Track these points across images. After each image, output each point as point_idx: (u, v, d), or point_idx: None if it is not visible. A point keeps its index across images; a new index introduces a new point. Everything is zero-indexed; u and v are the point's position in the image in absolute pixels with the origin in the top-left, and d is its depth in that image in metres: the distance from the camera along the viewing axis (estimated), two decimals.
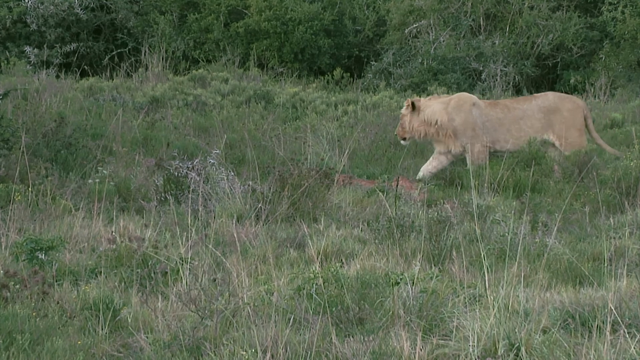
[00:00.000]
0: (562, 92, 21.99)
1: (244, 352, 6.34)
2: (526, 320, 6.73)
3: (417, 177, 13.14)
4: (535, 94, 14.29)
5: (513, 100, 13.73)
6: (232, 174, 10.81)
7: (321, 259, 8.55)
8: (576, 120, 13.28)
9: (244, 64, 22.84)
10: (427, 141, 13.57)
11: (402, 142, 13.59)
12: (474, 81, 21.93)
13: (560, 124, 13.24)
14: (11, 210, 9.15)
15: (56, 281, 7.75)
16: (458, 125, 13.19)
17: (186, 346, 6.61)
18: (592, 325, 6.76)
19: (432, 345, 6.62)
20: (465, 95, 13.68)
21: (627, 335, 6.51)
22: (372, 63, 22.84)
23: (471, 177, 10.40)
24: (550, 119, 13.25)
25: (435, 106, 13.32)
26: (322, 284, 7.17)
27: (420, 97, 14.62)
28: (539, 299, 7.45)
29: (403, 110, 13.54)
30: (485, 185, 11.65)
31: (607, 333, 6.35)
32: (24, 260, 8.01)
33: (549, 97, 13.51)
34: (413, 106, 13.37)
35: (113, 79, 20.98)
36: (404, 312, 7.05)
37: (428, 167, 13.30)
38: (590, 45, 22.77)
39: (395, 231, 9.21)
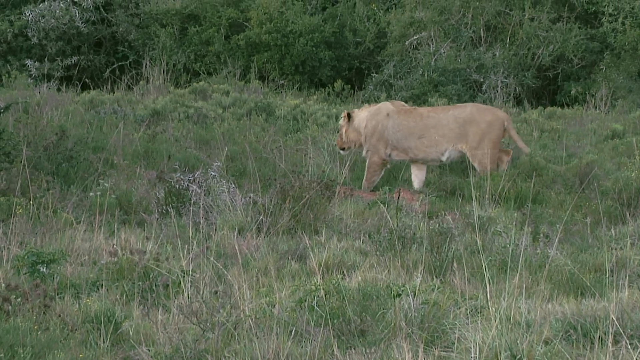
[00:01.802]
0: (563, 103, 22.05)
1: None
2: (528, 332, 6.73)
3: (416, 189, 13.19)
4: (457, 104, 14.40)
5: (431, 109, 13.75)
6: (233, 186, 10.81)
7: (322, 271, 8.55)
8: (492, 133, 13.11)
9: (245, 76, 22.86)
10: (361, 150, 13.71)
11: (341, 152, 13.81)
12: (474, 92, 21.94)
13: (475, 135, 13.11)
14: (12, 223, 9.15)
15: (58, 294, 7.75)
16: (367, 133, 13.42)
17: (188, 359, 6.61)
18: (594, 337, 6.75)
19: (433, 357, 6.62)
20: (384, 104, 13.76)
21: (629, 347, 6.51)
22: (373, 75, 22.86)
23: (472, 189, 10.40)
24: (466, 129, 13.15)
25: (362, 115, 13.57)
26: (324, 296, 7.17)
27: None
28: (541, 310, 7.44)
29: (341, 122, 13.80)
30: (487, 196, 11.65)
31: (609, 344, 6.35)
32: (26, 273, 8.01)
33: (467, 108, 13.42)
34: (349, 117, 13.63)
35: (114, 92, 20.99)
36: (406, 324, 7.05)
37: (416, 180, 13.37)
38: (590, 57, 22.78)
39: (396, 243, 9.21)
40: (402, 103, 14.03)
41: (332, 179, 11.74)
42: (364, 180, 13.40)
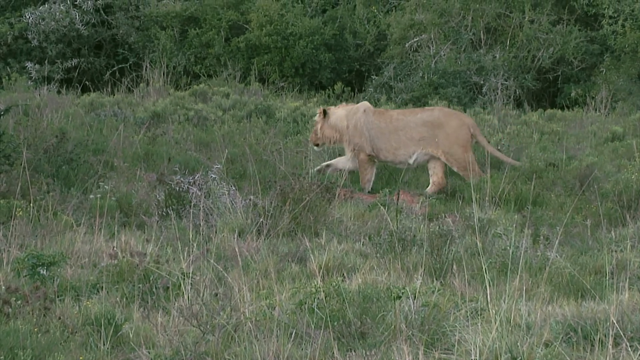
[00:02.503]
0: (563, 105, 22.06)
1: None
2: (528, 334, 6.73)
3: (320, 167, 13.35)
4: (426, 108, 14.58)
5: (401, 112, 13.91)
6: (234, 188, 10.81)
7: (323, 273, 8.55)
8: (460, 137, 13.26)
9: (245, 78, 22.87)
10: (336, 147, 13.97)
11: (315, 147, 14.02)
12: (474, 95, 21.94)
13: (444, 140, 13.27)
14: (13, 225, 9.15)
15: (58, 297, 7.75)
16: (350, 132, 13.55)
17: None
18: (594, 339, 6.75)
19: None
20: (362, 104, 13.94)
21: (630, 349, 6.51)
22: (373, 77, 22.86)
23: (472, 191, 10.40)
24: (435, 133, 13.31)
25: (340, 113, 13.76)
26: (324, 299, 7.17)
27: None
28: (541, 313, 7.44)
29: (316, 118, 14.02)
30: (487, 198, 11.65)
31: (610, 346, 6.35)
32: (26, 275, 8.01)
33: (434, 112, 13.60)
34: (324, 114, 13.83)
35: (114, 95, 20.99)
36: (406, 326, 7.05)
37: (339, 164, 13.58)
38: (590, 59, 22.79)
39: (396, 245, 9.21)
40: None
41: (332, 181, 11.74)
42: (360, 183, 13.44)
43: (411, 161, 13.43)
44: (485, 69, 22.07)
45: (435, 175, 13.33)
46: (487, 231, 9.98)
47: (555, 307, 7.73)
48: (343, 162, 13.68)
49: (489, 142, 14.05)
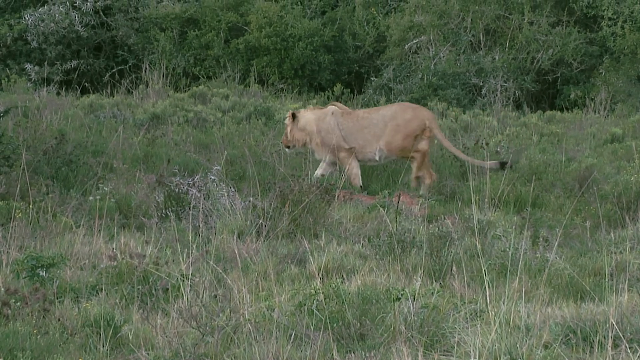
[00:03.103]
0: (562, 107, 22.06)
1: None
2: (527, 336, 6.73)
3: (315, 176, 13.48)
4: (388, 104, 14.91)
5: (366, 110, 14.16)
6: (233, 190, 10.81)
7: (322, 274, 8.55)
8: (408, 128, 13.48)
9: (245, 80, 22.87)
10: (306, 149, 14.11)
11: (286, 150, 14.19)
12: (474, 96, 21.95)
13: (391, 130, 13.52)
14: (12, 227, 9.15)
15: (57, 298, 7.74)
16: (323, 135, 13.74)
17: None
18: (593, 341, 6.75)
19: None
20: (330, 107, 14.12)
21: (629, 350, 6.51)
22: (372, 79, 22.87)
23: (472, 193, 10.40)
24: (388, 126, 13.54)
25: (308, 116, 13.95)
26: (323, 300, 7.17)
27: None
28: (540, 314, 7.44)
29: (286, 121, 14.17)
30: (486, 200, 11.65)
31: (609, 348, 6.35)
32: (25, 277, 8.01)
33: (393, 107, 13.90)
34: (294, 117, 14.01)
35: (113, 96, 21.00)
36: (405, 328, 7.05)
37: (317, 172, 13.74)
38: (590, 61, 22.80)
39: (396, 247, 9.21)
40: (344, 106, 14.32)
41: (331, 183, 11.73)
42: (349, 181, 13.55)
43: (377, 158, 13.64)
44: (485, 70, 22.08)
45: (420, 172, 13.45)
46: (486, 233, 9.98)
47: (554, 309, 7.73)
48: (324, 168, 13.85)
49: (449, 138, 14.25)
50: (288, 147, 14.12)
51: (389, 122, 13.53)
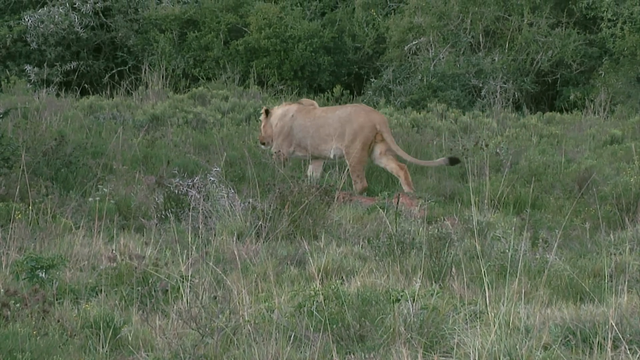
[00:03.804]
0: (562, 108, 22.07)
1: None
2: (527, 337, 6.73)
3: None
4: (344, 105, 15.25)
5: (324, 109, 14.30)
6: (233, 191, 10.81)
7: (322, 276, 8.54)
8: (362, 133, 13.59)
9: (244, 81, 22.88)
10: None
11: (261, 146, 14.43)
12: (473, 98, 21.95)
13: (349, 135, 13.65)
14: (11, 228, 9.14)
15: (57, 300, 7.74)
16: (276, 131, 14.08)
17: None
18: (593, 342, 6.75)
19: None
20: (294, 104, 14.37)
21: (629, 352, 6.51)
22: (372, 80, 22.87)
23: (471, 194, 10.40)
24: (345, 129, 13.68)
25: (278, 112, 14.22)
26: (323, 301, 7.17)
27: (419, 113, 15.01)
28: (540, 316, 7.44)
29: (261, 118, 14.44)
30: (486, 201, 11.65)
31: (609, 349, 6.35)
32: (25, 278, 8.01)
33: (347, 109, 14.03)
34: (267, 113, 14.29)
35: (113, 97, 20.99)
36: (405, 329, 7.05)
37: (315, 174, 13.86)
38: (589, 62, 22.80)
39: (395, 248, 9.21)
40: (313, 102, 14.56)
41: (331, 184, 11.73)
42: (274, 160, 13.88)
43: (331, 155, 13.80)
44: (484, 72, 22.09)
45: (393, 168, 13.62)
46: (486, 234, 9.98)
47: (554, 310, 7.73)
48: (314, 167, 13.99)
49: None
50: (263, 143, 14.35)
51: (345, 124, 13.65)
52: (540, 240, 9.66)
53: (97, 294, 7.99)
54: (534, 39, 22.54)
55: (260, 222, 10.13)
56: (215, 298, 7.28)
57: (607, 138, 17.31)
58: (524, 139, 17.16)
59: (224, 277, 7.90)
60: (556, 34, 22.65)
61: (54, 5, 23.61)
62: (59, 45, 23.47)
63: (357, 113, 13.76)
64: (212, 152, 14.66)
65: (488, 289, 7.33)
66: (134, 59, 24.07)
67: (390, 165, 13.63)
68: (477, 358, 6.44)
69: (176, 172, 11.89)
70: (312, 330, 6.98)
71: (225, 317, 6.90)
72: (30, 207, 9.80)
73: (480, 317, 7.26)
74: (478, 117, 19.49)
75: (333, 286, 7.33)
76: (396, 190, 13.12)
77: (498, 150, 14.60)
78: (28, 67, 22.85)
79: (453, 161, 13.27)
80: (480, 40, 22.91)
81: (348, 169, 13.47)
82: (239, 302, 7.27)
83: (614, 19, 22.38)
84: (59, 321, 7.22)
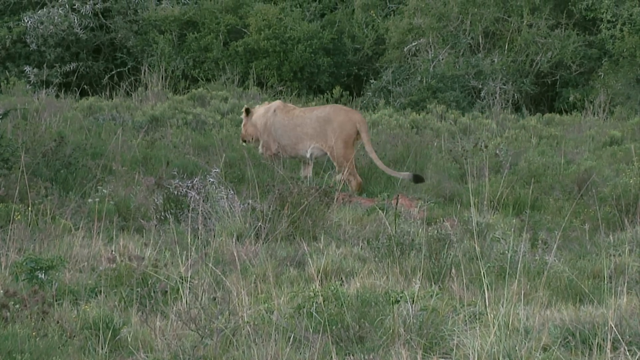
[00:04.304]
0: (561, 109, 22.07)
1: None
2: (526, 338, 6.73)
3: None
4: (322, 105, 15.55)
5: (303, 110, 14.55)
6: (232, 192, 10.81)
7: (321, 277, 8.55)
8: (343, 133, 13.80)
9: (244, 82, 22.88)
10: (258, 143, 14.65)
11: (243, 144, 14.80)
12: (473, 99, 21.96)
13: (331, 135, 13.84)
14: (11, 229, 9.14)
15: (56, 301, 7.74)
16: (260, 130, 14.35)
17: None
18: (592, 343, 6.75)
19: None
20: (275, 102, 14.67)
21: (628, 353, 6.51)
22: (372, 81, 22.87)
23: (471, 195, 10.40)
24: (325, 129, 13.89)
25: (259, 111, 14.53)
26: (322, 303, 7.17)
27: (419, 114, 15.05)
28: (539, 317, 7.44)
29: (242, 116, 14.79)
30: (485, 202, 11.65)
31: (608, 351, 6.35)
32: (24, 279, 8.01)
33: (326, 109, 14.28)
34: (247, 112, 14.62)
35: (112, 99, 21.00)
36: (404, 331, 7.05)
37: (306, 172, 14.09)
38: (589, 63, 22.81)
39: (395, 249, 9.21)
40: (291, 105, 14.84)
41: (330, 186, 11.73)
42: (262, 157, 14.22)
43: (308, 155, 13.97)
44: (484, 73, 22.09)
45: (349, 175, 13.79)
46: (485, 235, 9.97)
47: (553, 312, 7.73)
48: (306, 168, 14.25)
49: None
50: (244, 141, 14.69)
51: (325, 124, 13.84)
52: (540, 241, 9.66)
53: (97, 295, 7.99)
54: (534, 40, 22.55)
55: (259, 223, 10.13)
56: (215, 299, 7.27)
57: (607, 139, 17.31)
58: (523, 140, 17.16)
59: (224, 278, 7.90)
60: (556, 35, 22.66)
61: (53, 7, 23.61)
62: (58, 46, 23.48)
63: (336, 112, 14.00)
64: (212, 153, 14.66)
65: (487, 290, 7.33)
66: (134, 60, 24.07)
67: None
68: (476, 359, 6.44)
69: (175, 173, 11.88)
70: (311, 331, 6.98)
71: (224, 318, 6.90)
72: (29, 208, 9.80)
73: (479, 318, 7.26)
74: (477, 119, 19.50)
75: (332, 287, 7.33)
76: (395, 191, 13.12)
77: (497, 152, 14.60)
78: (27, 68, 22.86)
79: (417, 179, 13.30)
80: (480, 41, 22.92)
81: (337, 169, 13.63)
82: (238, 303, 7.27)
83: (614, 20, 22.39)
84: (58, 322, 7.22)
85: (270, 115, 14.21)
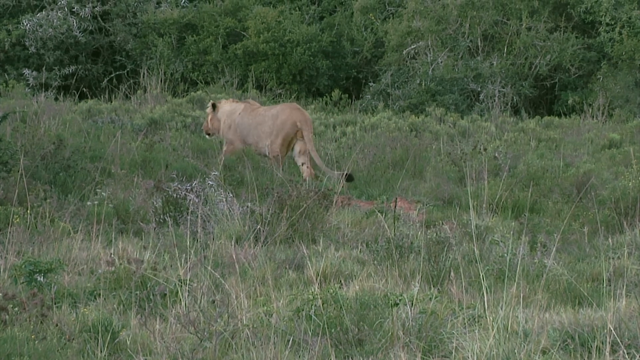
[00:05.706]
0: (560, 112, 22.08)
1: None
2: (525, 341, 6.73)
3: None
4: (279, 104, 15.87)
5: (263, 109, 14.95)
6: (231, 195, 10.81)
7: (320, 280, 8.55)
8: (282, 130, 14.27)
9: (243, 85, 22.88)
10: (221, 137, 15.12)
11: (206, 136, 15.38)
12: (472, 102, 21.96)
13: (274, 130, 14.32)
14: (10, 232, 9.14)
15: (55, 303, 7.74)
16: (224, 127, 14.81)
17: None
18: (591, 346, 6.75)
19: None
20: (241, 105, 15.03)
21: (627, 356, 6.51)
22: (371, 84, 22.88)
23: (470, 198, 10.41)
24: (274, 125, 14.34)
25: (225, 108, 14.98)
26: (321, 305, 7.17)
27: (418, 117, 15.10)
28: (538, 320, 7.44)
29: (207, 110, 15.25)
30: (484, 205, 11.66)
31: (607, 353, 6.35)
32: (23, 282, 8.01)
33: (278, 107, 14.78)
34: (214, 107, 15.05)
35: (112, 101, 21.00)
36: (403, 333, 7.05)
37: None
38: (588, 66, 22.82)
39: (394, 252, 9.21)
40: (257, 104, 15.18)
41: (329, 188, 11.73)
42: (222, 155, 14.51)
43: (267, 153, 14.34)
44: (483, 76, 22.10)
45: (304, 170, 14.12)
46: (484, 238, 9.98)
47: (552, 314, 7.73)
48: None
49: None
50: (208, 134, 15.17)
51: (274, 121, 14.27)
52: (539, 244, 9.66)
53: (96, 298, 7.98)
54: (533, 43, 22.56)
55: (258, 226, 10.13)
56: (214, 302, 7.28)
57: (606, 142, 17.32)
58: (522, 143, 17.17)
59: (223, 281, 7.90)
60: (554, 38, 22.67)
61: (52, 9, 23.61)
62: (57, 49, 23.47)
63: (282, 110, 14.43)
64: (211, 156, 14.68)
65: (486, 293, 7.33)
66: (133, 63, 24.08)
67: (304, 167, 14.16)
68: None
69: (175, 176, 11.89)
70: (310, 334, 6.98)
71: (223, 321, 6.90)
72: (28, 211, 9.80)
73: (478, 321, 7.26)
74: (476, 121, 19.50)
75: (331, 290, 7.33)
76: (394, 194, 13.11)
77: (496, 155, 14.61)
78: (27, 71, 22.86)
79: (349, 178, 13.42)
80: (479, 44, 22.93)
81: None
82: (237, 306, 7.27)
83: (612, 23, 22.40)
84: (57, 325, 7.22)
85: (236, 117, 14.62)
